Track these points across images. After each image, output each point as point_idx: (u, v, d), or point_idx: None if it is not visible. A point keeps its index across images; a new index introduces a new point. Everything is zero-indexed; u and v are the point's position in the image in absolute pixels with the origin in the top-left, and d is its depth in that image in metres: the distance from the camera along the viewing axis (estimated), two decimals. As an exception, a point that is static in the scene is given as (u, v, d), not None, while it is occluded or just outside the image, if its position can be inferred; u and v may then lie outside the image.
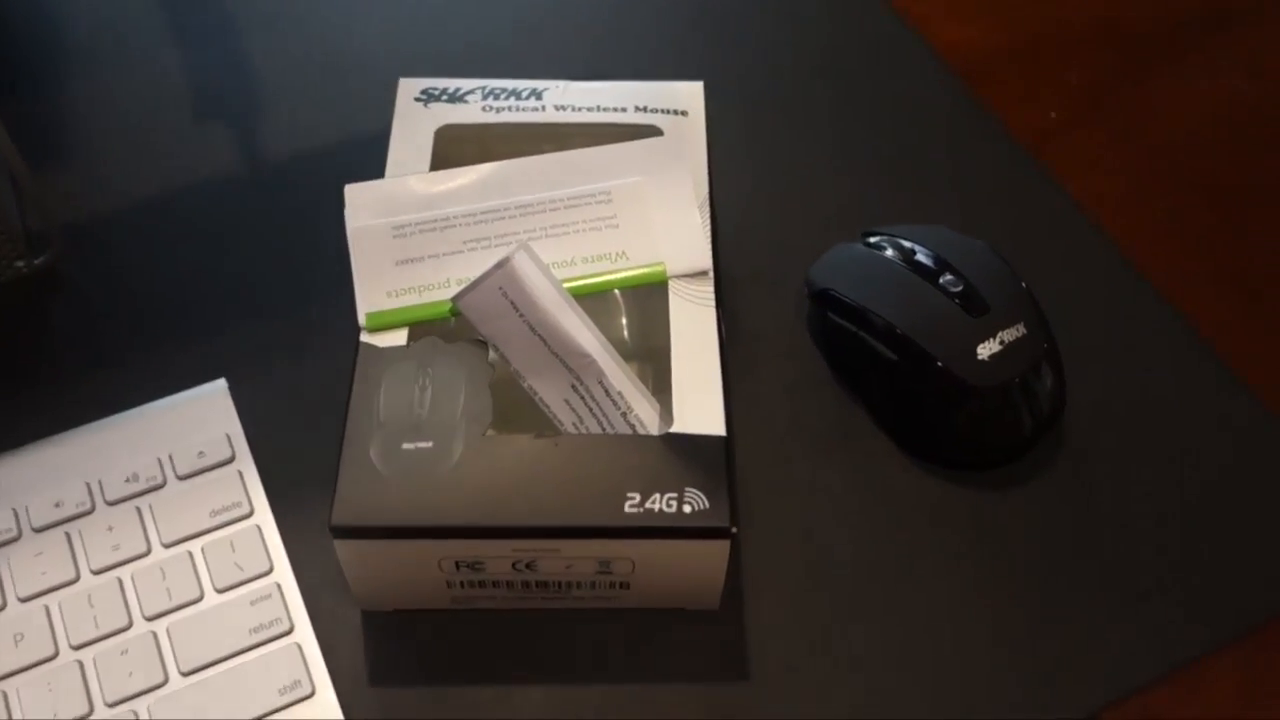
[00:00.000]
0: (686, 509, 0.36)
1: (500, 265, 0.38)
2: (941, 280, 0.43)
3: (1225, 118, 0.54)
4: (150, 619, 0.38)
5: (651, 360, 0.39)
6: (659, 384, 0.39)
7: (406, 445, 0.36)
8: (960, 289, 0.42)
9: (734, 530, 0.36)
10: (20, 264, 0.47)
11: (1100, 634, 0.39)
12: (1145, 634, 0.39)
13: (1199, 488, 0.42)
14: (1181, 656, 0.39)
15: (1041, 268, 0.48)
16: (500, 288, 0.38)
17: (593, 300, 0.40)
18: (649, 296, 0.40)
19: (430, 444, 0.36)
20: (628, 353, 0.39)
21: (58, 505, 0.40)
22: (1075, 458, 0.43)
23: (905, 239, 0.45)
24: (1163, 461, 0.43)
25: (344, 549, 0.36)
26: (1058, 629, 0.39)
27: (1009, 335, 0.42)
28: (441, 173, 0.42)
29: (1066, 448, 0.43)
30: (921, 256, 0.44)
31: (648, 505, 0.36)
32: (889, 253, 0.44)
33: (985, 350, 0.41)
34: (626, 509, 0.35)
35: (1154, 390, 0.45)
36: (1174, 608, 0.40)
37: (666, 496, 0.36)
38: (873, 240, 0.46)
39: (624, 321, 0.41)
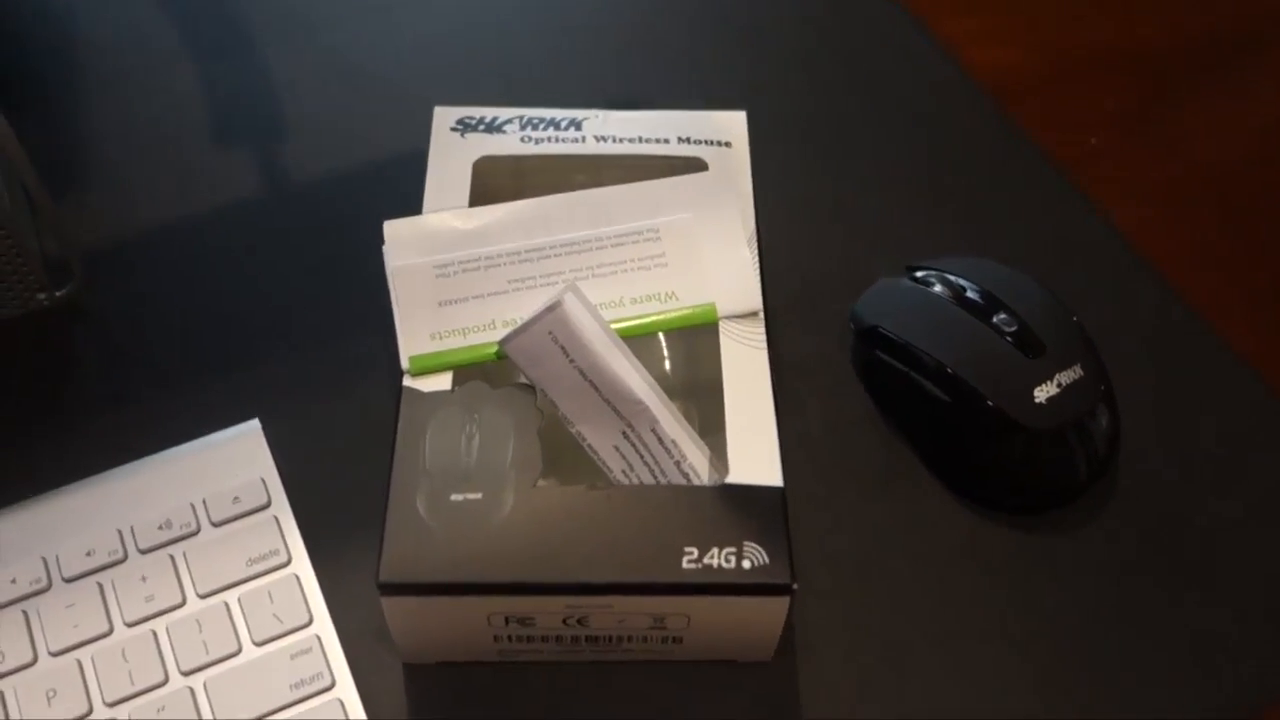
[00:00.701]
0: (746, 564, 0.34)
1: (550, 309, 0.37)
2: (995, 319, 0.42)
3: (1267, 138, 0.53)
4: (187, 674, 0.37)
5: (697, 399, 0.38)
6: (707, 427, 0.38)
7: (455, 496, 0.35)
8: (1015, 329, 0.41)
9: (795, 586, 0.34)
10: (42, 296, 0.45)
11: (1153, 689, 0.38)
12: (1201, 692, 0.38)
13: (1256, 535, 0.42)
14: (1240, 715, 0.38)
15: (1087, 299, 0.47)
16: (550, 331, 0.37)
17: (639, 339, 0.39)
18: (696, 336, 0.39)
19: (479, 495, 0.35)
20: (673, 391, 0.38)
21: (89, 554, 0.38)
22: (1130, 500, 0.42)
23: (952, 274, 0.44)
24: (1220, 506, 0.42)
25: (391, 606, 0.35)
26: (1113, 682, 0.38)
27: (1066, 377, 0.41)
28: (483, 209, 0.41)
29: (1120, 491, 0.42)
30: (971, 293, 0.43)
31: (706, 561, 0.34)
32: (937, 289, 0.43)
33: (1042, 393, 0.40)
34: (684, 564, 0.34)
35: (1209, 430, 0.44)
36: (1232, 662, 0.39)
37: (725, 551, 0.35)
38: (919, 275, 0.45)
39: (669, 363, 0.40)
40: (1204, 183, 0.52)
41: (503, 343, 0.37)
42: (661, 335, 0.39)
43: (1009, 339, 0.41)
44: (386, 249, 0.40)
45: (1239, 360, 0.46)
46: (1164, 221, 0.50)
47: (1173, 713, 0.38)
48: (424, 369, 0.38)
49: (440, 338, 0.38)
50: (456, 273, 0.39)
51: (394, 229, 0.40)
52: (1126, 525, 0.42)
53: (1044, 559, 0.41)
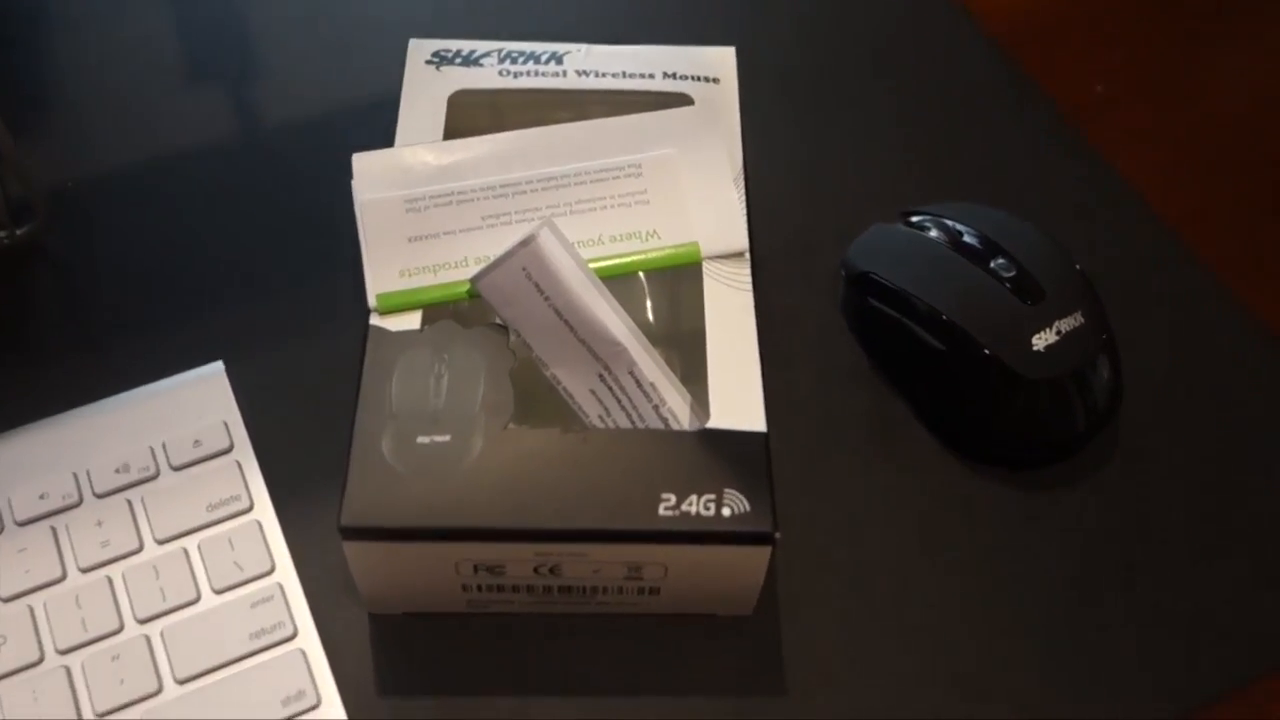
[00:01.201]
0: (726, 512, 0.33)
1: (523, 244, 0.35)
2: (992, 264, 0.40)
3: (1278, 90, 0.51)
4: (143, 622, 0.35)
5: (679, 346, 0.37)
6: (690, 372, 0.36)
7: (421, 439, 0.34)
8: (1013, 274, 0.40)
9: (777, 535, 0.33)
10: (2, 234, 0.44)
11: (1152, 648, 0.37)
12: (1200, 649, 0.37)
13: (1263, 491, 0.40)
14: (1240, 677, 0.36)
15: (1090, 249, 0.45)
16: (523, 268, 0.35)
17: (618, 280, 0.37)
18: (678, 277, 0.38)
19: (447, 438, 0.34)
20: (655, 336, 0.36)
21: (42, 497, 0.37)
22: (1131, 455, 0.41)
23: (949, 218, 0.42)
24: (1223, 464, 0.40)
25: (353, 551, 0.33)
26: (1107, 640, 0.37)
27: (1066, 325, 0.39)
28: (457, 142, 0.39)
29: (1122, 444, 0.41)
30: (969, 238, 0.41)
31: (684, 508, 0.33)
32: (933, 234, 0.42)
33: (1040, 341, 0.38)
34: (661, 511, 0.33)
35: (1214, 382, 0.42)
36: (1230, 627, 0.37)
37: (704, 498, 0.33)
38: (915, 220, 0.43)
39: (650, 303, 0.39)
40: (1217, 132, 0.50)
41: (474, 280, 0.36)
42: (642, 275, 0.37)
43: (1007, 284, 0.39)
44: (355, 182, 0.38)
45: (1248, 314, 0.44)
46: (1174, 172, 0.48)
47: (1167, 676, 0.36)
48: (392, 307, 0.36)
49: (409, 275, 0.37)
50: (428, 207, 0.38)
51: (363, 162, 0.39)
52: (1126, 481, 0.40)
53: (1040, 515, 0.39)
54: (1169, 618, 0.37)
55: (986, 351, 0.39)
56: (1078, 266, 0.41)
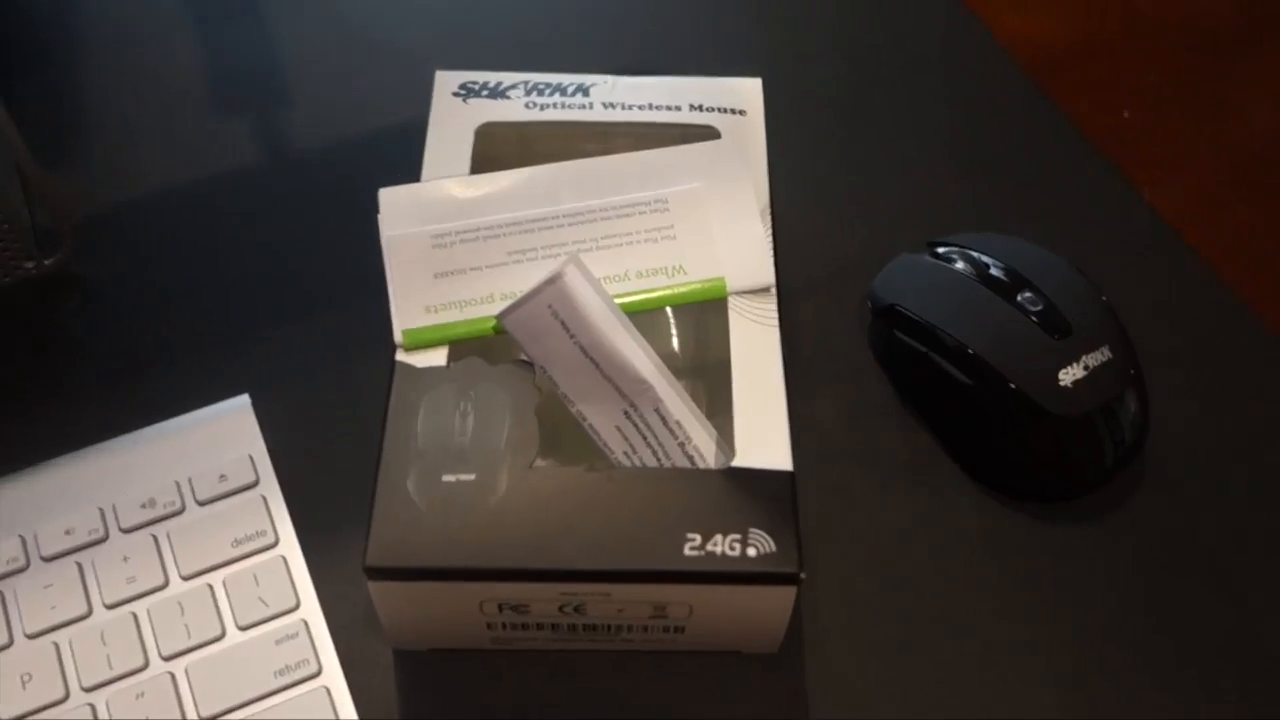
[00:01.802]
0: (751, 552, 0.33)
1: (550, 281, 0.35)
2: (1019, 298, 0.40)
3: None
4: (168, 659, 0.35)
5: (705, 378, 0.36)
6: (714, 406, 0.36)
7: (447, 477, 0.33)
8: (1040, 308, 0.39)
9: (802, 576, 0.33)
10: (29, 265, 0.44)
11: (1179, 692, 0.36)
12: (1226, 695, 0.36)
13: (1294, 526, 0.39)
14: (1274, 712, 0.36)
15: (1119, 280, 0.45)
16: (549, 305, 0.35)
17: (643, 314, 0.37)
18: (704, 310, 0.37)
19: (472, 476, 0.34)
20: (680, 369, 0.36)
21: (69, 533, 0.37)
22: (1160, 489, 0.40)
23: (976, 250, 0.42)
24: (1253, 500, 0.40)
25: (379, 590, 0.33)
26: (1138, 679, 0.36)
27: (1093, 360, 0.39)
28: (483, 176, 0.39)
29: (1149, 479, 0.40)
30: (995, 271, 0.41)
31: (709, 548, 0.33)
32: (960, 266, 0.41)
33: (1068, 376, 0.38)
34: (686, 551, 0.33)
35: (1244, 415, 0.42)
36: (1261, 666, 0.37)
37: (729, 538, 0.33)
38: (941, 252, 0.43)
39: (676, 336, 0.39)
40: (1247, 160, 0.49)
41: (500, 316, 0.36)
42: (669, 310, 0.37)
43: (1034, 319, 0.39)
44: (381, 218, 0.38)
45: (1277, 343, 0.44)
46: (1203, 199, 0.48)
47: (1198, 711, 0.36)
48: (418, 343, 0.36)
49: (436, 311, 0.37)
50: (454, 243, 0.38)
51: (390, 197, 0.39)
52: (1154, 517, 0.40)
53: (1067, 550, 0.39)
54: (1200, 653, 0.37)
55: (1013, 386, 0.38)
56: (1105, 299, 0.41)
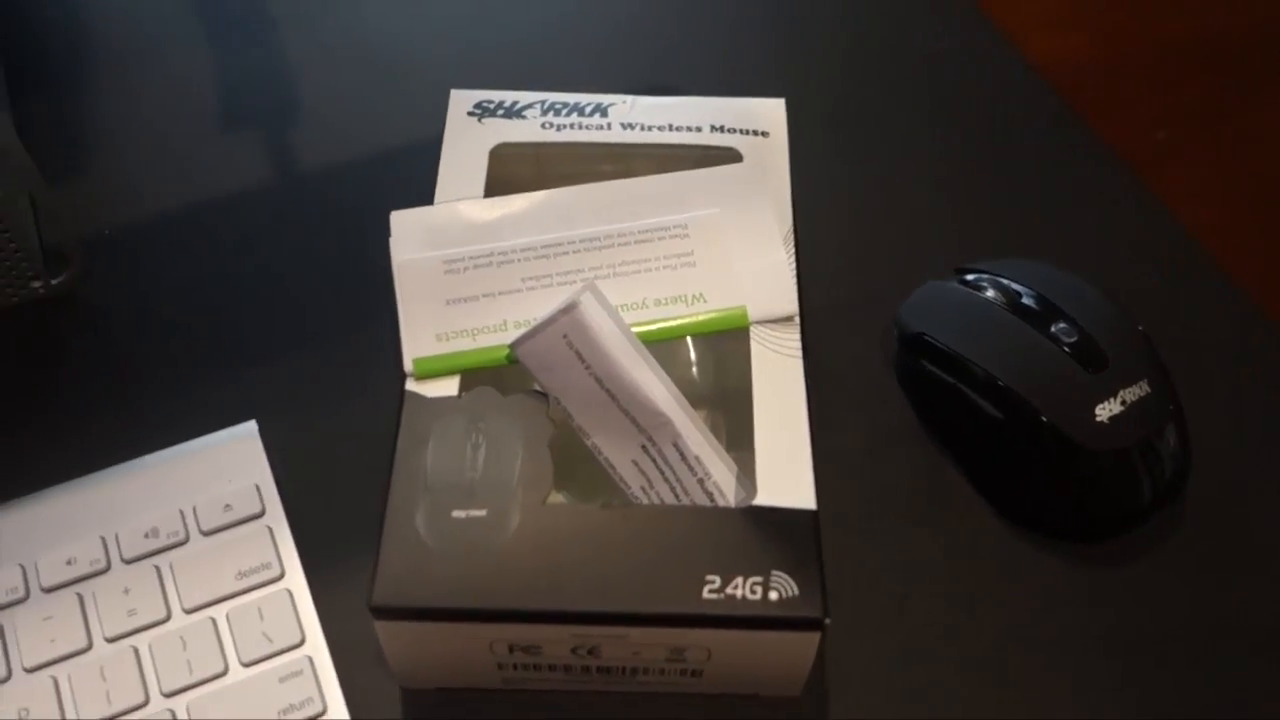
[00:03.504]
0: (773, 596, 0.31)
1: (565, 310, 0.34)
2: (1053, 329, 0.38)
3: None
4: (169, 695, 0.34)
5: (725, 409, 0.35)
6: (735, 438, 0.34)
7: (457, 513, 0.32)
8: (1075, 339, 0.38)
9: (827, 621, 0.31)
10: (37, 284, 0.43)
11: (1231, 737, 0.35)
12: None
13: (1339, 568, 0.38)
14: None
15: (1155, 309, 0.43)
16: (564, 335, 0.34)
17: (662, 344, 0.35)
18: (724, 342, 0.36)
19: (483, 512, 0.32)
20: (699, 399, 0.35)
21: (70, 563, 0.36)
22: (1199, 530, 0.39)
23: (1006, 278, 0.40)
24: (1297, 537, 0.38)
25: (385, 630, 0.32)
26: (1182, 730, 0.35)
27: (1131, 394, 0.37)
28: (498, 199, 0.38)
29: (1188, 519, 0.39)
30: (1027, 299, 0.39)
31: (729, 591, 0.31)
32: (990, 294, 0.40)
33: (1104, 411, 0.37)
34: (705, 594, 0.31)
35: (1286, 454, 0.40)
36: (1314, 709, 0.35)
37: (750, 581, 0.31)
38: (970, 278, 0.41)
39: (695, 365, 0.37)
40: (1281, 182, 0.48)
41: (513, 345, 0.35)
42: (689, 340, 0.36)
43: (1068, 350, 0.38)
44: (393, 242, 0.37)
45: (1321, 377, 0.42)
46: (1241, 223, 0.47)
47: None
48: (429, 372, 0.35)
49: (447, 339, 0.35)
50: (467, 268, 0.37)
51: (401, 220, 0.38)
52: (1194, 557, 0.38)
53: (1102, 591, 0.37)
54: (1243, 702, 0.35)
55: (1046, 421, 0.37)
56: (1141, 329, 0.39)
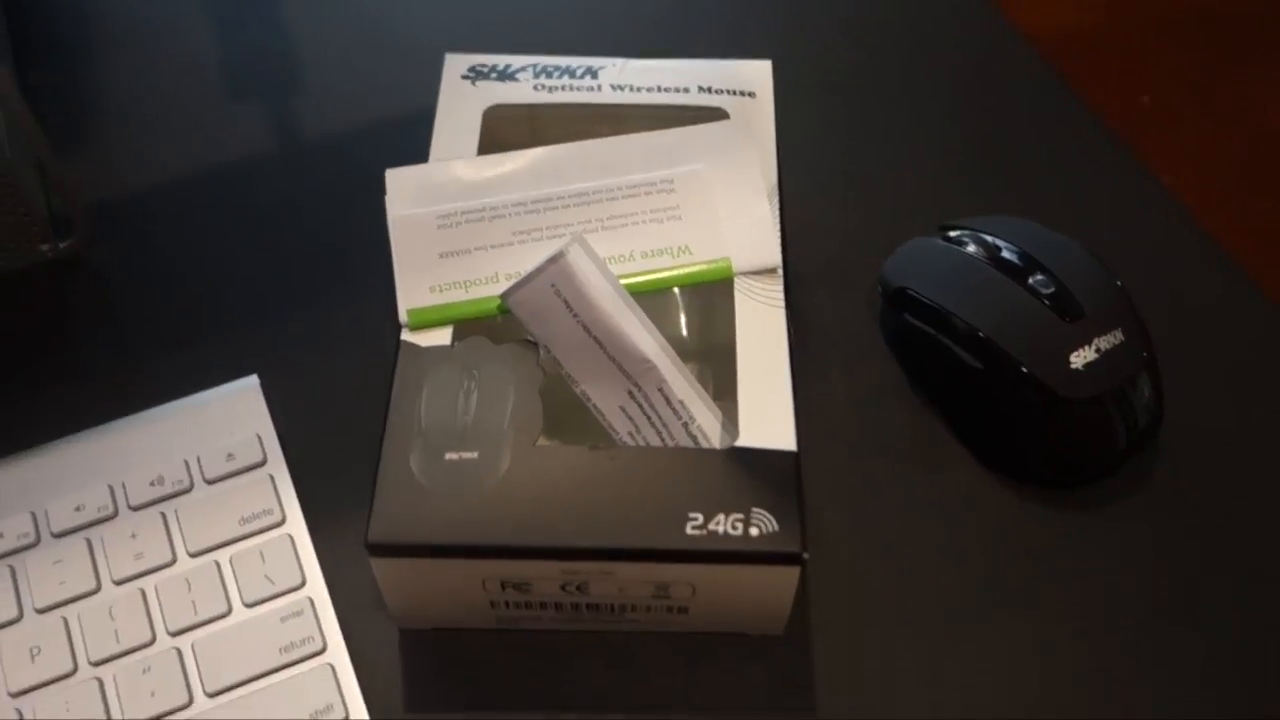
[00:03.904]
0: (754, 531, 0.32)
1: (553, 260, 0.35)
2: (1031, 280, 0.39)
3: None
4: (175, 634, 0.35)
5: (711, 361, 0.36)
6: (720, 388, 0.36)
7: (450, 455, 0.34)
8: (1052, 290, 0.39)
9: (805, 556, 0.32)
10: (45, 248, 0.44)
11: (1192, 681, 0.36)
12: (1241, 687, 0.36)
13: (1311, 512, 0.39)
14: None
15: (1134, 265, 0.44)
16: (553, 285, 0.35)
17: (650, 294, 0.37)
18: (710, 292, 0.37)
19: (475, 454, 0.34)
20: (686, 352, 0.36)
21: (79, 509, 0.37)
22: (1172, 476, 0.40)
23: (988, 233, 0.41)
24: (1268, 485, 0.39)
25: (381, 567, 0.33)
26: (1151, 667, 0.36)
27: (1105, 342, 0.38)
28: (490, 157, 0.39)
29: (1163, 463, 0.40)
30: (1008, 254, 0.40)
31: (711, 527, 0.32)
32: (971, 249, 0.41)
33: (1079, 359, 0.38)
34: (688, 530, 0.32)
35: (1259, 404, 0.41)
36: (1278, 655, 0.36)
37: (732, 518, 0.33)
38: (953, 235, 0.42)
39: (683, 318, 0.38)
40: (1265, 148, 0.49)
41: (504, 295, 0.36)
42: (675, 291, 0.37)
43: (1046, 301, 0.39)
44: (388, 198, 0.38)
45: (1296, 330, 0.43)
46: (1221, 186, 0.47)
47: (1211, 708, 0.35)
48: (423, 323, 0.36)
49: (441, 290, 0.37)
50: (459, 223, 0.38)
51: (396, 177, 0.39)
52: (1167, 502, 0.39)
53: (1079, 535, 0.38)
54: (1217, 643, 0.36)
55: (1024, 370, 0.38)
56: (1119, 283, 0.40)
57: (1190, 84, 0.50)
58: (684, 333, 0.38)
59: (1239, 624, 0.37)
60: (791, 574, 0.33)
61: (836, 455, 0.40)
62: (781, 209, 0.39)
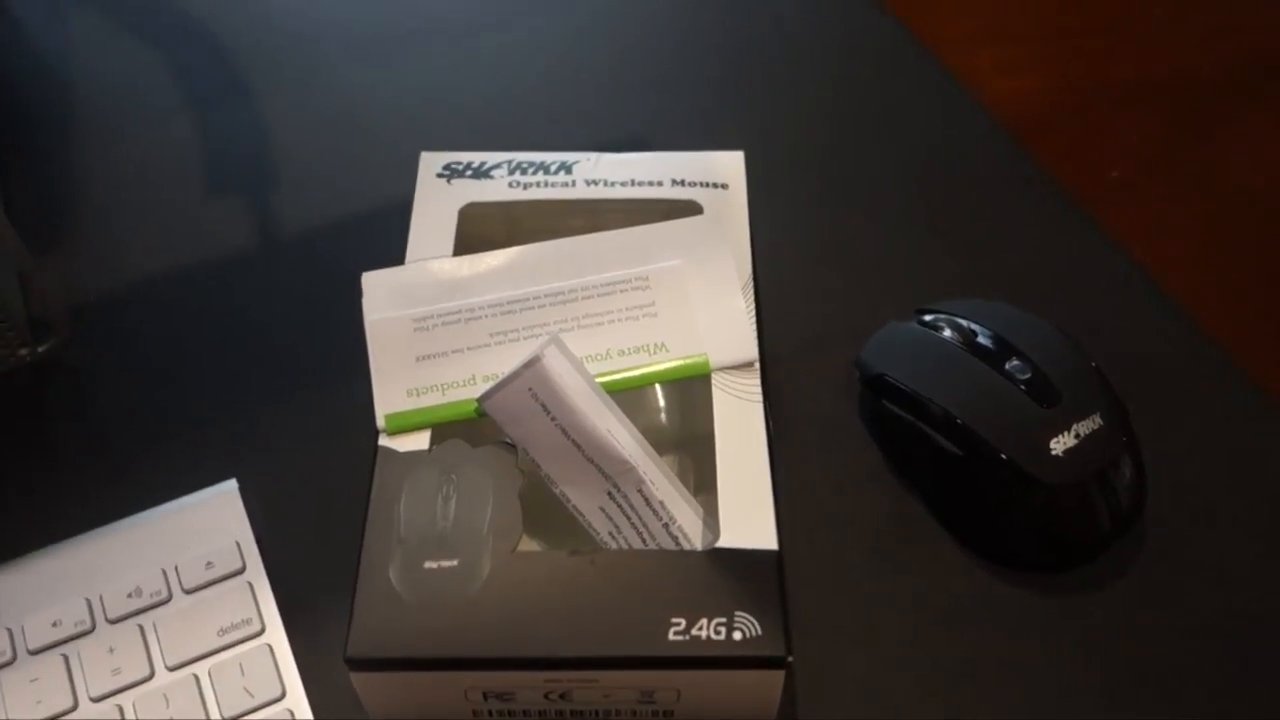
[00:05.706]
0: (737, 635, 0.32)
1: (529, 364, 0.35)
2: (1008, 366, 0.39)
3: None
4: (153, 753, 0.35)
5: (691, 451, 0.36)
6: (701, 481, 0.35)
7: (429, 564, 0.33)
8: (1028, 375, 0.39)
9: (789, 659, 0.32)
10: (24, 352, 0.44)
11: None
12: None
13: (1296, 591, 0.39)
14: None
15: (1110, 344, 0.44)
16: (529, 388, 0.35)
17: (626, 392, 0.37)
18: (688, 387, 0.37)
19: (455, 562, 0.33)
20: (666, 443, 0.36)
21: (55, 624, 0.37)
22: (1159, 555, 0.39)
23: (963, 317, 0.42)
24: (1253, 564, 0.39)
25: (362, 680, 0.33)
26: (1146, 756, 0.36)
27: (1084, 427, 0.38)
28: (466, 258, 0.39)
29: (1146, 547, 0.40)
30: (983, 339, 0.41)
31: (694, 632, 0.32)
32: (947, 333, 0.41)
33: (1059, 445, 0.38)
34: (671, 637, 0.32)
35: (1242, 482, 0.41)
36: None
37: (714, 622, 0.32)
38: (928, 319, 0.42)
39: (663, 408, 0.38)
40: (1236, 217, 0.49)
41: (481, 399, 0.36)
42: (657, 387, 0.37)
43: (1022, 387, 0.39)
44: (365, 302, 0.38)
45: (1275, 405, 0.43)
46: (1192, 259, 0.48)
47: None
48: (401, 427, 0.36)
49: (418, 394, 0.37)
50: (436, 326, 0.38)
51: (372, 280, 0.39)
52: (1153, 584, 0.39)
53: (1064, 620, 0.38)
54: (1206, 716, 0.36)
55: (1004, 456, 0.38)
56: (1094, 365, 0.40)
57: (1157, 156, 0.51)
58: (664, 424, 0.39)
59: (1222, 704, 0.36)
60: (776, 677, 0.33)
61: (818, 542, 0.40)
62: (757, 298, 0.39)
